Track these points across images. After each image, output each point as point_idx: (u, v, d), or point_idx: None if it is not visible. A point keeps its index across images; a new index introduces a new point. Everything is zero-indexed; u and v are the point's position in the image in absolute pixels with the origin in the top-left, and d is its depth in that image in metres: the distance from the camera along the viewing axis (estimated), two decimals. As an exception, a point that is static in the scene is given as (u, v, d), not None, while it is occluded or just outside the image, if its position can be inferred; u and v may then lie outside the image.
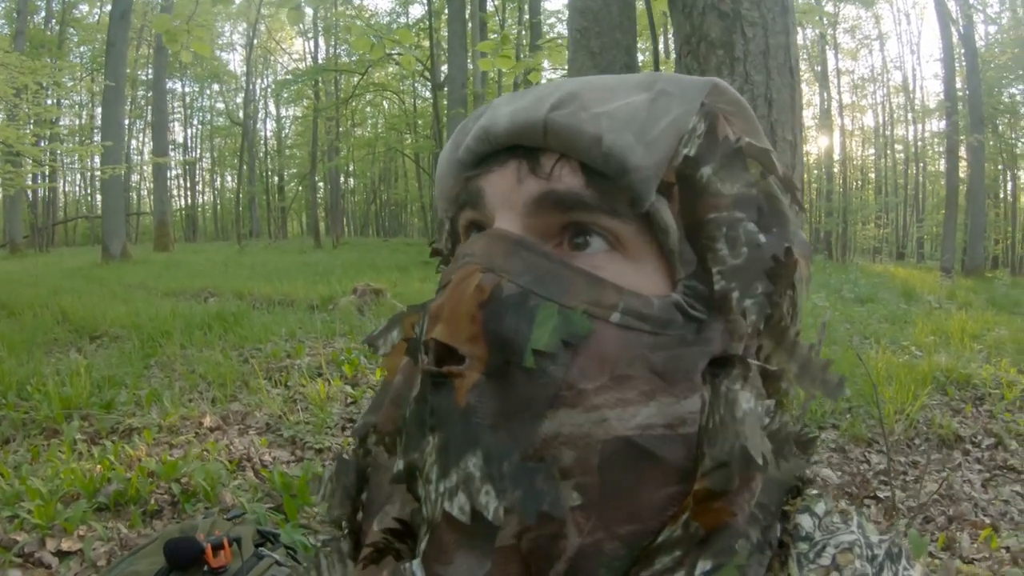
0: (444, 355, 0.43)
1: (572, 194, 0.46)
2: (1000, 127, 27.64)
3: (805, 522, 0.47)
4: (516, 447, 0.41)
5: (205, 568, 1.24)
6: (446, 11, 18.76)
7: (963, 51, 20.11)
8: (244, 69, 36.16)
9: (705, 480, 0.42)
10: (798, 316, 0.50)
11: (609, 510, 0.42)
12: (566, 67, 3.60)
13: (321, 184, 35.58)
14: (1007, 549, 2.94)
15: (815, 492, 0.49)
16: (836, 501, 0.49)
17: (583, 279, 0.44)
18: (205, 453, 3.69)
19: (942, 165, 30.65)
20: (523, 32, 19.37)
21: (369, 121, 38.50)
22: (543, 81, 6.46)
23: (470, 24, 15.92)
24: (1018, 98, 26.75)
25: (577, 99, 0.47)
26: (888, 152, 39.17)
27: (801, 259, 0.48)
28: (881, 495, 3.53)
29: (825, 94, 33.35)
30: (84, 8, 25.14)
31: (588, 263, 0.45)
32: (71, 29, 26.01)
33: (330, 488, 0.56)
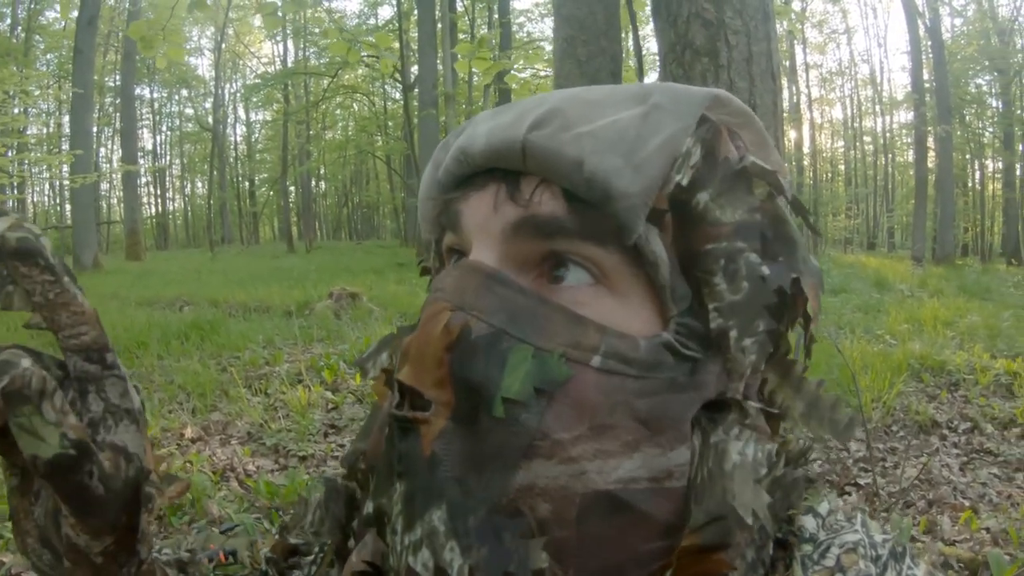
0: (413, 396, 0.41)
1: (553, 220, 0.42)
2: (967, 117, 28.13)
3: (808, 523, 0.46)
4: (485, 500, 0.39)
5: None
6: (415, 12, 18.71)
7: (930, 43, 20.42)
8: (213, 74, 35.84)
9: (696, 536, 0.39)
10: (810, 352, 0.47)
11: (588, 565, 0.40)
12: (540, 67, 3.62)
13: (292, 188, 35.34)
14: (987, 530, 3.00)
15: (818, 491, 0.47)
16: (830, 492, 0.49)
17: (562, 317, 0.41)
18: (188, 465, 3.66)
19: (911, 156, 31.04)
20: (493, 32, 19.37)
21: (340, 124, 38.25)
22: (522, 78, 6.47)
23: (439, 25, 15.88)
24: (984, 88, 27.24)
25: (559, 116, 0.43)
26: (857, 144, 39.68)
27: (810, 290, 0.44)
28: (862, 482, 3.58)
29: (794, 88, 33.72)
30: (51, 15, 24.69)
31: (569, 298, 0.42)
32: (37, 36, 25.59)
33: (319, 515, 0.54)
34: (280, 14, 3.85)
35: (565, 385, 0.39)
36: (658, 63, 2.12)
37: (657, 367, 0.40)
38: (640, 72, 2.89)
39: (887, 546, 0.44)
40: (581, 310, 0.41)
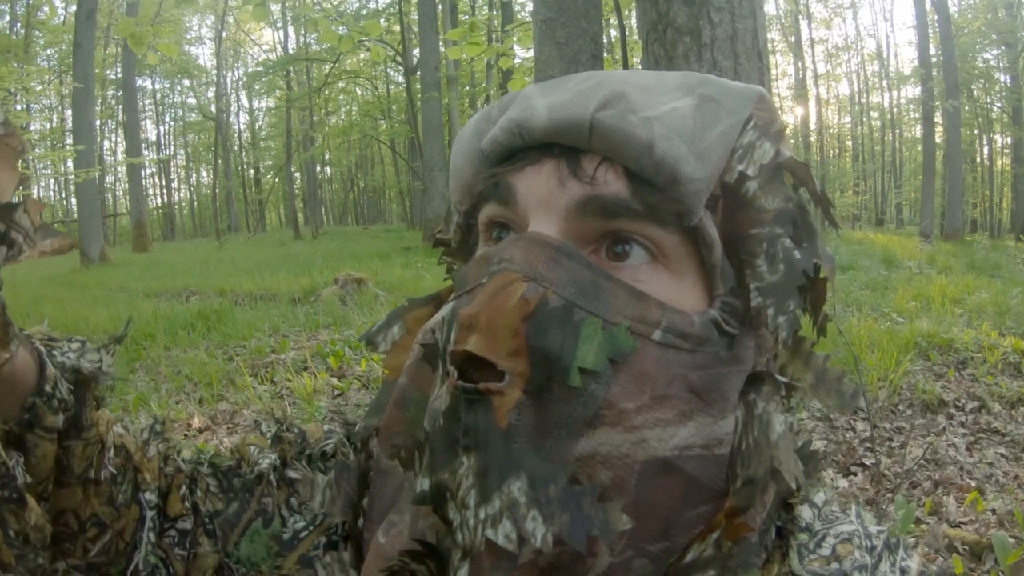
0: (472, 368, 0.41)
1: (618, 200, 0.44)
2: (975, 92, 27.84)
3: (804, 512, 0.48)
4: (563, 469, 0.40)
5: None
6: (416, -5, 18.59)
7: (936, 17, 20.13)
8: (214, 63, 35.75)
9: (734, 498, 0.42)
10: (825, 330, 0.50)
11: (642, 529, 0.41)
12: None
13: (298, 175, 35.31)
14: (993, 511, 2.99)
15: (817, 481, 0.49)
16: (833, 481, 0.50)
17: (626, 293, 0.43)
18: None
19: (918, 131, 30.81)
20: (495, 13, 19.23)
21: (343, 109, 38.18)
22: (515, 64, 6.43)
23: (440, 7, 15.79)
24: (992, 63, 26.94)
25: (624, 100, 0.45)
26: (864, 119, 39.33)
27: (827, 273, 0.47)
28: (868, 462, 3.57)
29: (800, 64, 33.48)
30: (47, 10, 24.63)
31: (630, 275, 0.44)
32: (37, 32, 25.54)
33: (330, 495, 0.54)
34: (269, 4, 3.81)
35: (631, 357, 0.41)
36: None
37: (707, 342, 0.43)
38: (624, 54, 2.85)
39: (882, 537, 0.46)
40: (640, 287, 0.43)
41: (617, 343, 0.41)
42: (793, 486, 0.41)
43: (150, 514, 0.60)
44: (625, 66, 3.19)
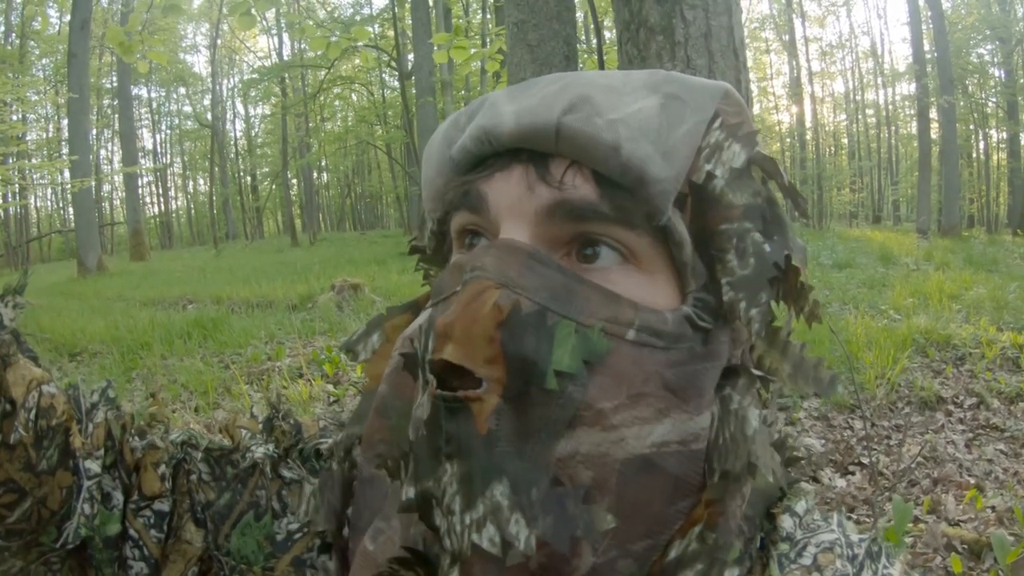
0: (451, 376, 0.41)
1: (587, 204, 0.44)
2: (970, 88, 27.87)
3: (786, 522, 0.47)
4: (545, 473, 0.40)
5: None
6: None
7: (930, 14, 20.18)
8: (209, 70, 35.78)
9: (710, 492, 0.43)
10: (818, 315, 0.51)
11: (625, 528, 0.41)
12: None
13: (294, 181, 35.29)
14: (992, 509, 2.97)
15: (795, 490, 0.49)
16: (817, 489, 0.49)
17: (598, 295, 0.43)
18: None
19: (914, 127, 30.84)
20: (488, 17, 19.25)
21: (339, 115, 38.13)
22: (504, 67, 6.42)
23: (434, 11, 15.79)
24: (986, 58, 26.97)
25: (589, 103, 0.45)
26: (859, 117, 39.35)
27: (799, 264, 0.47)
28: (865, 461, 3.56)
29: (794, 62, 33.46)
30: (41, 20, 24.63)
31: (601, 277, 0.44)
32: (32, 42, 25.52)
33: (314, 504, 0.55)
34: (254, 13, 3.79)
35: (606, 358, 0.42)
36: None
37: (681, 339, 0.44)
38: (600, 56, 2.82)
39: (863, 546, 0.45)
40: (613, 288, 0.44)
41: (591, 345, 0.41)
42: (770, 479, 0.41)
43: (87, 483, 0.58)
44: (601, 68, 3.17)
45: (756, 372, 0.46)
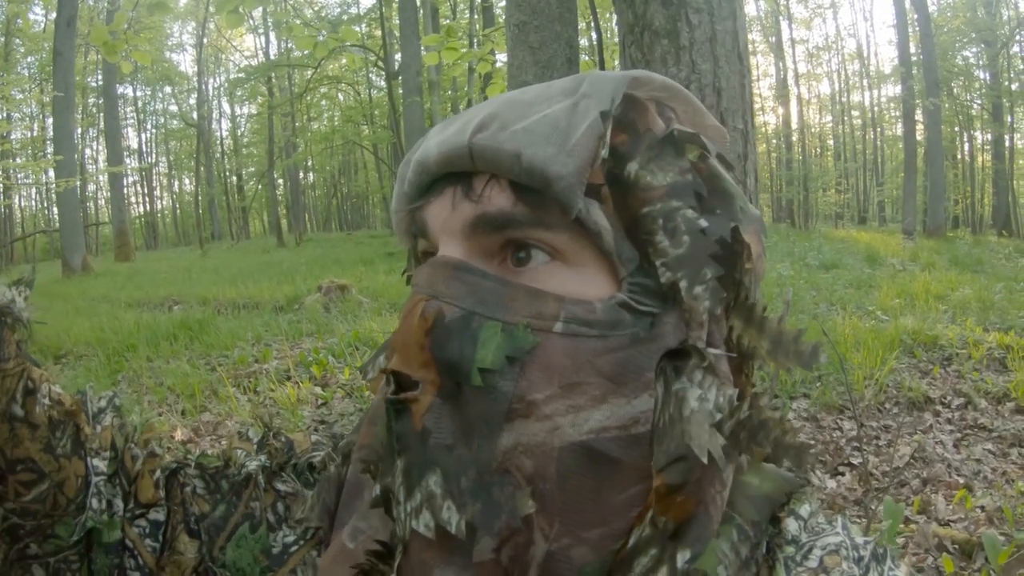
0: (404, 383, 0.45)
1: (502, 213, 0.46)
2: (955, 90, 28.07)
3: (791, 525, 0.48)
4: (474, 463, 0.43)
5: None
6: None
7: (916, 16, 20.33)
8: (196, 69, 35.56)
9: (662, 476, 0.42)
10: (756, 291, 0.51)
11: (572, 515, 0.43)
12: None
13: (280, 181, 35.13)
14: (982, 508, 2.98)
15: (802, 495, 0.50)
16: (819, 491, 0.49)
17: (523, 293, 0.45)
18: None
19: (899, 129, 31.04)
20: (476, 17, 19.22)
21: (325, 114, 38.03)
22: (497, 67, 6.42)
23: (421, 11, 15.75)
24: (972, 61, 27.17)
25: (496, 119, 0.48)
26: (845, 118, 39.60)
27: (751, 235, 0.48)
28: (855, 462, 3.56)
29: (780, 64, 33.63)
30: (29, 16, 24.44)
31: (530, 277, 0.46)
32: (17, 40, 25.29)
33: (311, 502, 0.58)
34: (242, 12, 3.75)
35: (533, 351, 0.43)
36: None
37: (617, 325, 0.44)
38: (601, 58, 2.81)
39: (869, 548, 0.47)
40: (539, 285, 0.45)
41: (516, 341, 0.43)
42: (704, 460, 0.40)
43: (96, 479, 0.62)
44: (601, 68, 3.14)
45: (713, 351, 0.46)
